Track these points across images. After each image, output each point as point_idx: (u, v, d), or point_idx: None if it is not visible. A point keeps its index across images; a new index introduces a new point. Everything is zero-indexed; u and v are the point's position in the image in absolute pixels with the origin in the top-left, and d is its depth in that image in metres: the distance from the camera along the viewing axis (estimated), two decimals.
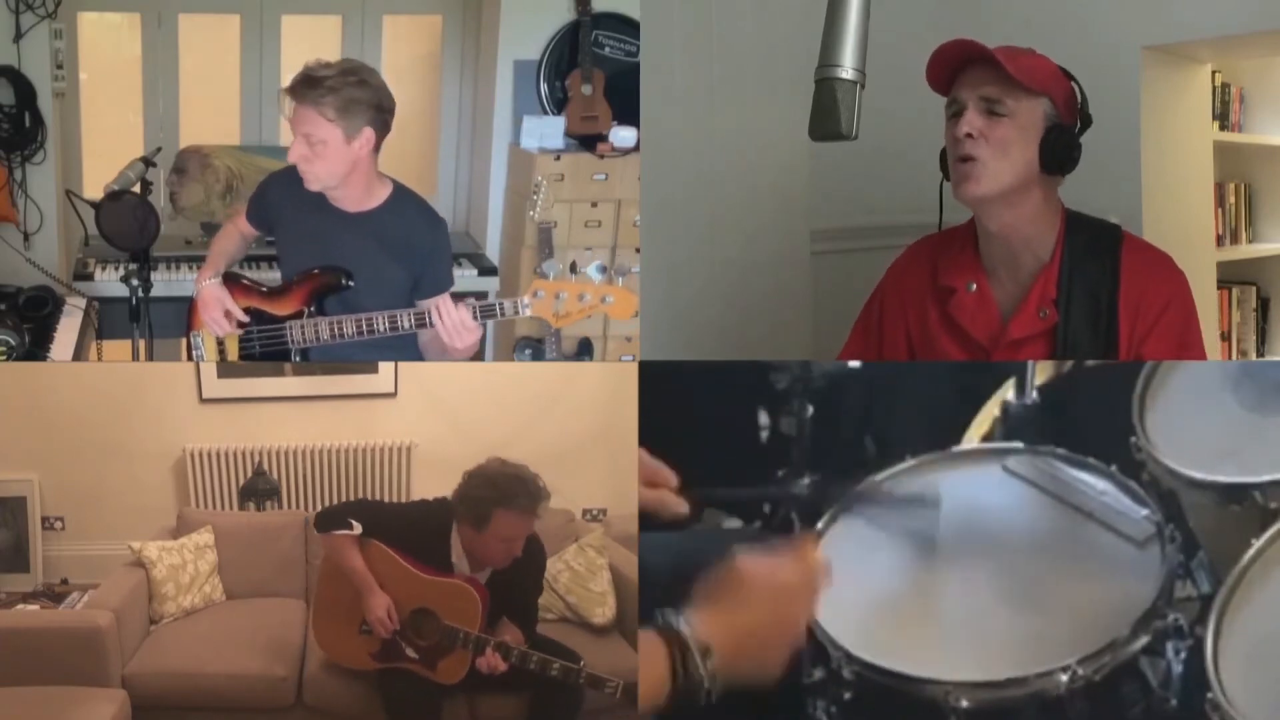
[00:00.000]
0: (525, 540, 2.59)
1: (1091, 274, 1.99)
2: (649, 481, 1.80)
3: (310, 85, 2.44)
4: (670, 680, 1.38)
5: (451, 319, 2.46)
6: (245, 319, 2.65)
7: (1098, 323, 1.97)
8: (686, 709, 1.39)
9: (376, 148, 2.54)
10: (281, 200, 2.68)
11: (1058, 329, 1.99)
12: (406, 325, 2.51)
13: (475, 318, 2.46)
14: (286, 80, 2.57)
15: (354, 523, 2.67)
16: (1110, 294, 1.97)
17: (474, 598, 2.56)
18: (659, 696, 1.38)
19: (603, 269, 2.50)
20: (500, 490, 2.53)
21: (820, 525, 1.81)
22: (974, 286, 2.08)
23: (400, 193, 2.63)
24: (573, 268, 2.50)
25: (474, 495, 2.55)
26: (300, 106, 2.45)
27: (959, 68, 2.01)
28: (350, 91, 2.45)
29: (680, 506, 1.79)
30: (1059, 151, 1.97)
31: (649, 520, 1.83)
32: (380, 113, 2.51)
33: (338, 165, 2.50)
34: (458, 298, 2.56)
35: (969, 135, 1.96)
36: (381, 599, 2.61)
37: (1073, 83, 2.03)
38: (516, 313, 2.49)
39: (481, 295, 3.83)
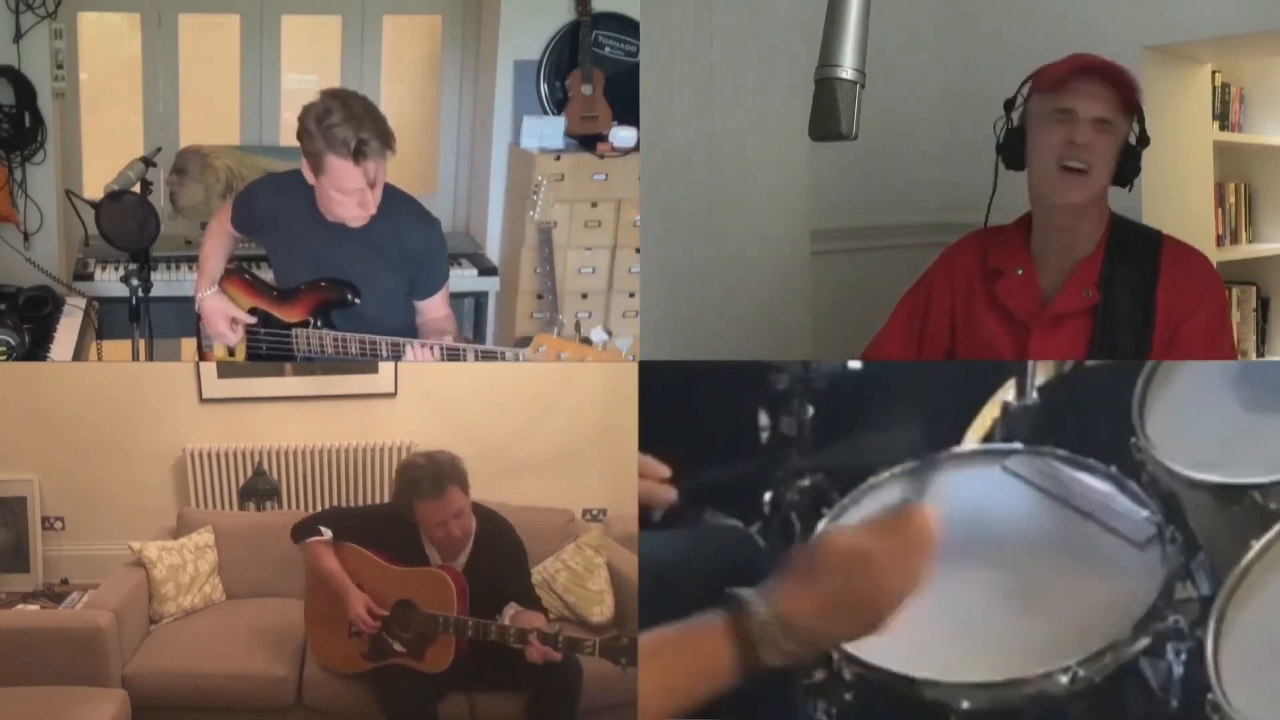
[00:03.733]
0: (472, 523, 2.63)
1: (1133, 263, 2.11)
2: (640, 474, 1.81)
3: (373, 137, 2.40)
4: (739, 658, 1.32)
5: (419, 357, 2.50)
6: (251, 320, 2.66)
7: (1136, 306, 2.08)
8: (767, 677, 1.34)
9: None
10: (271, 209, 2.67)
11: (1098, 308, 2.09)
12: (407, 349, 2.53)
13: (440, 359, 2.49)
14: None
15: (323, 529, 2.72)
16: (1150, 281, 2.09)
17: (448, 583, 2.58)
18: (720, 678, 1.33)
19: (606, 335, 2.51)
20: (406, 482, 2.60)
21: (821, 525, 1.81)
22: (1021, 271, 2.19)
23: (391, 195, 2.59)
24: (577, 326, 2.54)
25: (398, 489, 2.64)
26: (375, 160, 2.43)
27: (1075, 78, 2.11)
28: (382, 118, 2.46)
29: (668, 494, 1.81)
30: (1130, 166, 2.13)
31: (643, 511, 1.84)
32: None
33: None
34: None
35: (1082, 145, 2.08)
36: (359, 596, 2.64)
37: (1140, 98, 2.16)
38: (516, 359, 2.49)
39: (481, 295, 3.83)
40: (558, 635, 2.49)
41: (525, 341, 3.64)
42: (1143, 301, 2.07)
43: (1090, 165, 2.07)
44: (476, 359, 2.50)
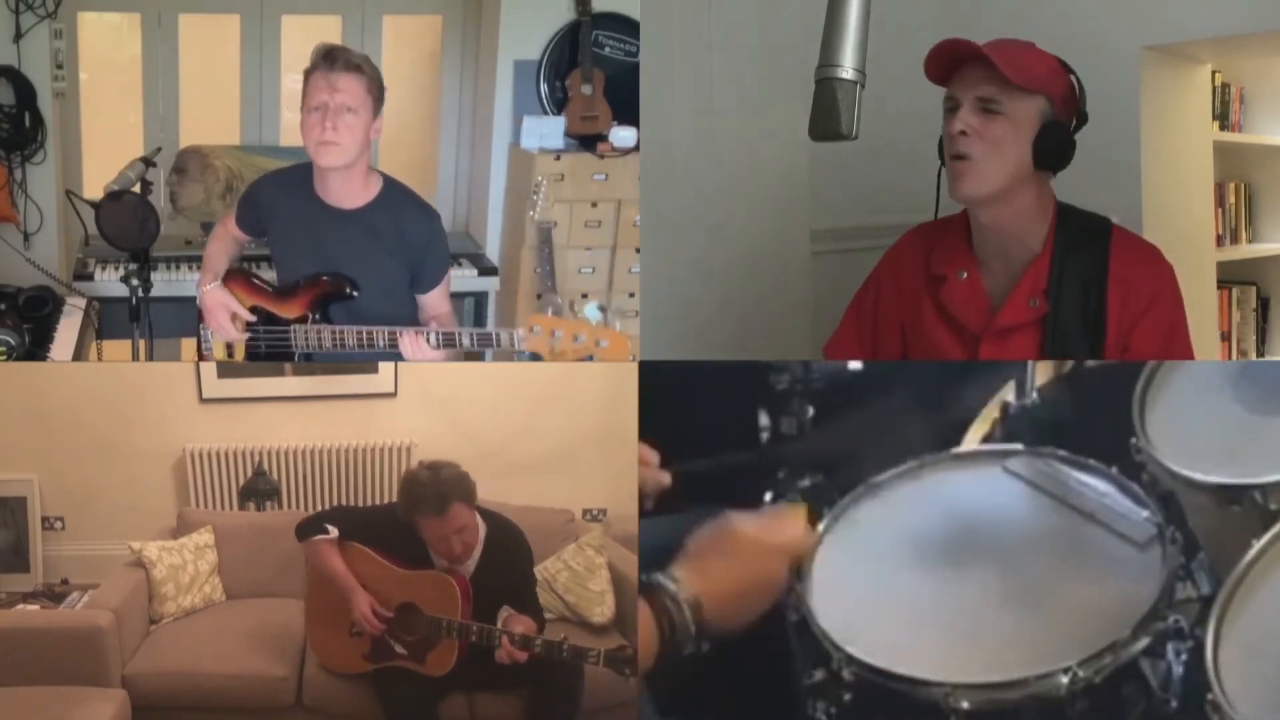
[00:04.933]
0: (477, 534, 2.62)
1: (1081, 265, 2.01)
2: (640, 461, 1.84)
3: (347, 56, 2.48)
4: (659, 637, 1.44)
5: (415, 350, 2.50)
6: (251, 318, 2.66)
7: (1086, 312, 2.00)
8: (679, 664, 1.46)
9: None
10: (273, 202, 2.69)
11: (1047, 318, 2.02)
12: (435, 343, 2.53)
13: (437, 346, 2.50)
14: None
15: (329, 527, 2.71)
16: (1099, 284, 2.00)
17: (452, 586, 2.57)
18: (649, 656, 1.46)
19: (601, 309, 2.52)
20: (409, 499, 2.58)
21: (821, 526, 1.81)
22: (964, 275, 2.11)
23: (391, 187, 2.64)
24: (571, 306, 2.54)
25: (400, 504, 2.61)
26: (343, 74, 2.48)
27: (956, 64, 2.03)
28: (376, 74, 2.53)
29: (662, 478, 1.85)
30: (1052, 149, 1.99)
31: (640, 500, 1.85)
32: (382, 101, 2.56)
33: (360, 138, 2.52)
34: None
35: (963, 133, 1.98)
36: (364, 597, 2.63)
37: (1072, 78, 2.05)
38: (513, 345, 2.50)
39: (481, 295, 3.83)
40: (563, 644, 2.49)
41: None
42: (1093, 307, 1.99)
43: (975, 154, 1.97)
44: (472, 344, 2.50)
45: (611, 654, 2.41)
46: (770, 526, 1.58)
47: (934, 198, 2.22)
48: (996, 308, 2.08)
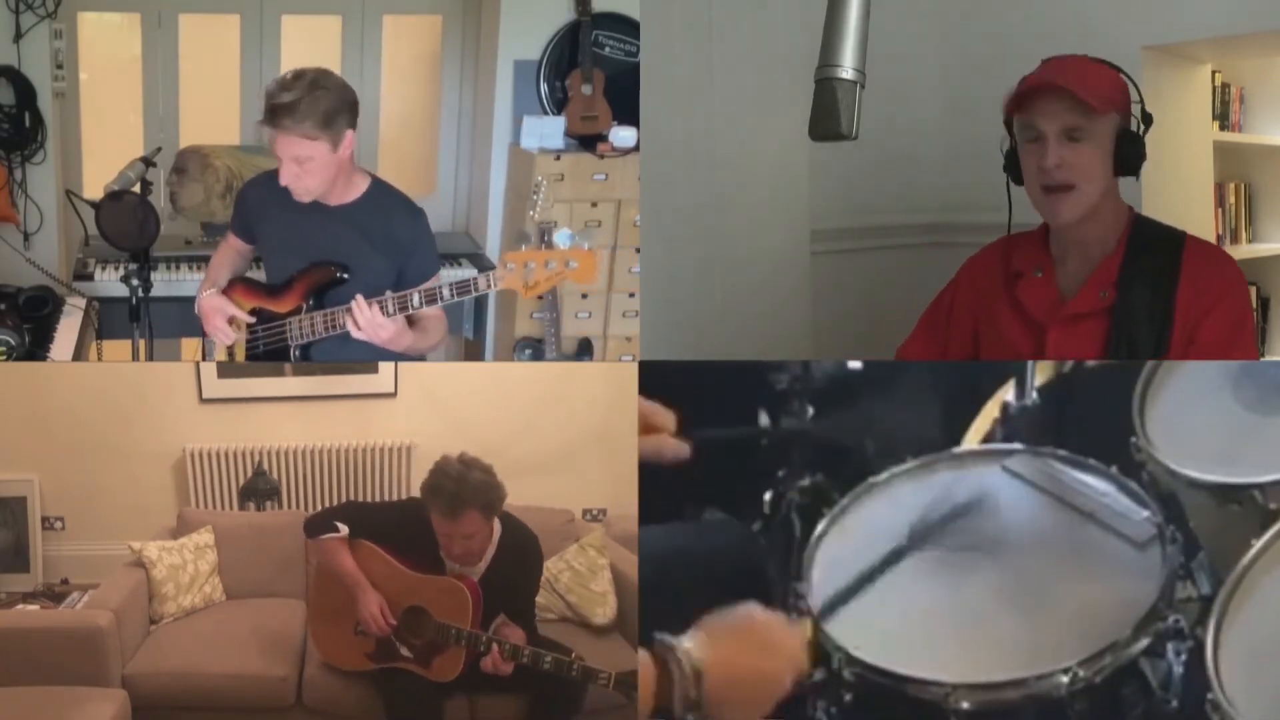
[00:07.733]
0: (484, 545, 2.60)
1: (1154, 263, 2.07)
2: (646, 425, 1.80)
3: (285, 112, 2.43)
4: (655, 694, 1.42)
5: (364, 318, 2.47)
6: (250, 319, 2.66)
7: (1155, 304, 2.05)
8: None
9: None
10: (261, 203, 2.69)
11: (1115, 308, 2.06)
12: (391, 310, 2.52)
13: (386, 313, 2.48)
14: None
15: (340, 525, 2.70)
16: (1170, 282, 2.05)
17: (464, 594, 2.55)
18: (646, 711, 1.43)
19: (572, 236, 2.52)
20: (429, 489, 2.56)
21: (820, 527, 1.81)
22: (1040, 272, 2.17)
23: (378, 185, 2.65)
24: (543, 237, 2.52)
25: (423, 487, 2.59)
26: (282, 135, 2.45)
27: (1033, 96, 2.07)
28: (325, 102, 2.45)
29: (680, 449, 1.80)
30: (1129, 156, 2.08)
31: (652, 465, 1.81)
32: (353, 111, 2.53)
33: (328, 173, 2.52)
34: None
35: (1055, 166, 2.04)
36: (373, 597, 2.62)
37: (1127, 82, 2.10)
38: (489, 287, 2.50)
39: (482, 295, 3.82)
40: (573, 663, 2.48)
41: (526, 342, 3.68)
42: (1162, 301, 2.03)
43: (1071, 181, 2.03)
44: (453, 295, 2.50)
45: (623, 677, 2.41)
46: (789, 630, 1.55)
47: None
48: (1066, 302, 2.12)
